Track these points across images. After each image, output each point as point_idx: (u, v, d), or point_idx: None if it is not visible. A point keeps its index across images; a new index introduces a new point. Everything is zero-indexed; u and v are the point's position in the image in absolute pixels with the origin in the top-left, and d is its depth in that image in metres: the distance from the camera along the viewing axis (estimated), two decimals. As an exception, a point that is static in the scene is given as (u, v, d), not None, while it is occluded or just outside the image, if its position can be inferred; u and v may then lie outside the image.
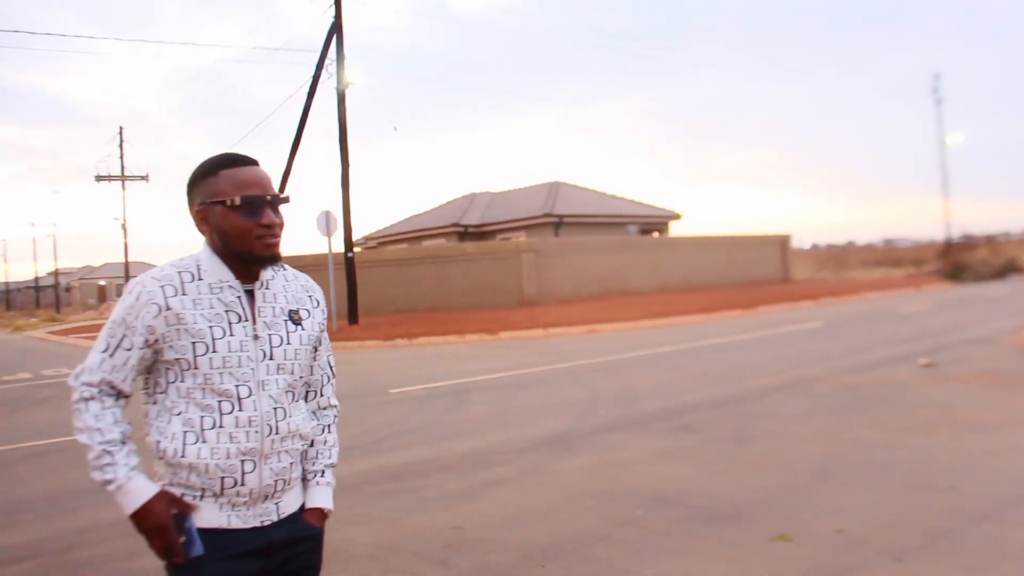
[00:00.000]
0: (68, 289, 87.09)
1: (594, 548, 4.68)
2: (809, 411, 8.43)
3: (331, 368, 2.29)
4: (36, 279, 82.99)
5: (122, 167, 48.08)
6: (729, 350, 14.53)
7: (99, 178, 46.95)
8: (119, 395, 1.98)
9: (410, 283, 29.02)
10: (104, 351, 1.95)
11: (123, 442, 1.93)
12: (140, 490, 1.90)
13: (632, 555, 4.54)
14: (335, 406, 2.30)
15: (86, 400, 1.93)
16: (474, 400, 10.19)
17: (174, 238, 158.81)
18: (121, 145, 48.60)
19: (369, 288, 27.03)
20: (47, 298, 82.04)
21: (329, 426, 2.26)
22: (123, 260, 50.23)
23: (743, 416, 8.31)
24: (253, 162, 2.03)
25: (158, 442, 1.96)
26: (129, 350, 1.95)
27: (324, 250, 22.92)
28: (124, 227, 48.86)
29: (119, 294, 62.84)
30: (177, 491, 1.95)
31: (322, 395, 2.26)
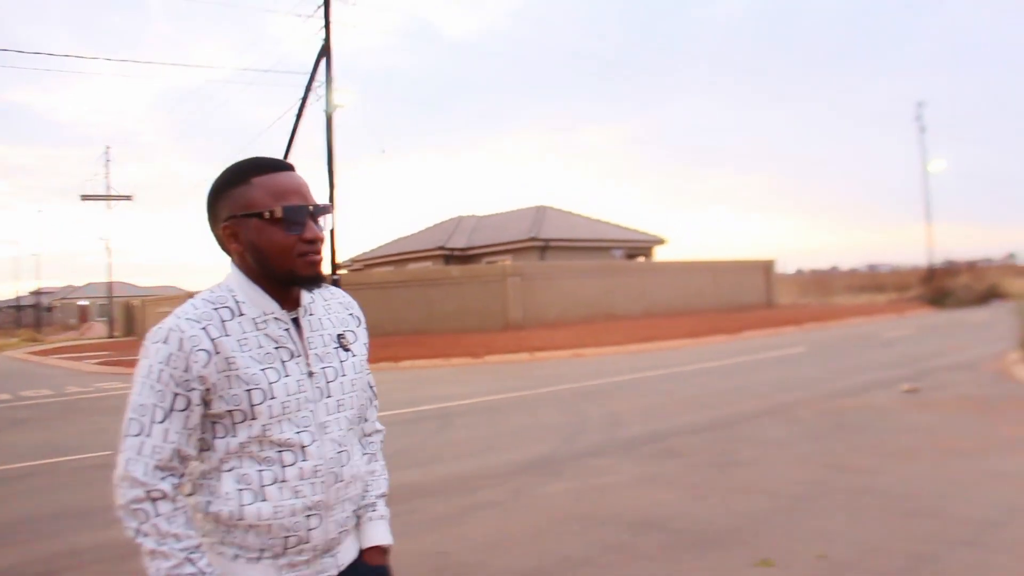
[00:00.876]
0: (50, 309, 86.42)
1: (579, 572, 4.67)
2: (793, 436, 8.46)
3: (372, 389, 2.06)
4: (17, 298, 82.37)
5: (107, 186, 48.00)
6: (714, 375, 14.57)
7: (85, 197, 46.87)
8: (184, 466, 1.69)
9: (396, 306, 29.00)
10: (162, 421, 1.63)
11: (200, 546, 1.64)
12: None
13: (617, 580, 4.53)
14: (381, 431, 2.06)
15: (154, 500, 1.61)
16: (459, 424, 10.18)
17: (158, 258, 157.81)
18: (107, 164, 48.56)
19: (354, 310, 26.94)
20: (28, 318, 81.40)
21: (376, 454, 2.02)
22: (106, 280, 49.95)
23: (727, 441, 8.33)
24: (289, 167, 1.75)
25: (208, 503, 1.69)
26: (185, 410, 1.65)
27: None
28: (108, 247, 48.70)
29: (101, 314, 62.12)
30: (229, 551, 1.71)
31: (367, 420, 2.02)
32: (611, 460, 7.65)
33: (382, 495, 1.98)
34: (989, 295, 38.88)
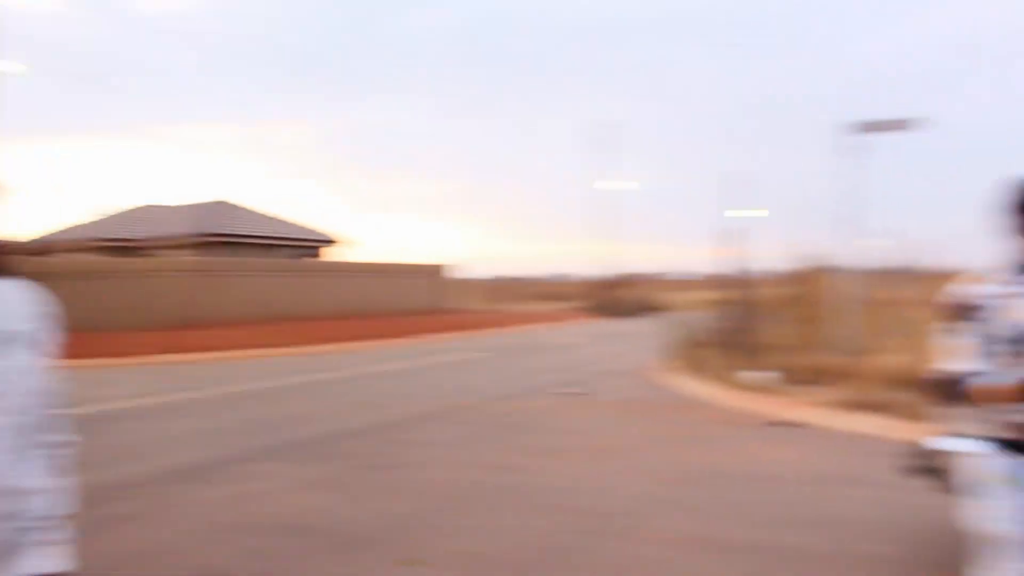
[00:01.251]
0: None
1: (216, 584, 4.45)
2: (458, 438, 8.69)
3: (52, 395, 1.80)
4: None
5: None
6: (387, 378, 14.70)
7: None
8: None
9: (63, 300, 26.18)
10: None
11: None
12: None
13: (255, 589, 4.37)
14: (62, 442, 1.81)
15: None
16: (112, 430, 9.38)
17: None
18: None
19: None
20: None
21: (53, 468, 1.76)
22: None
23: (393, 444, 8.38)
24: None
25: None
26: None
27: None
28: None
29: None
30: None
31: (45, 429, 1.77)
32: (270, 465, 7.40)
33: (52, 517, 1.71)
34: (652, 307, 42.64)
